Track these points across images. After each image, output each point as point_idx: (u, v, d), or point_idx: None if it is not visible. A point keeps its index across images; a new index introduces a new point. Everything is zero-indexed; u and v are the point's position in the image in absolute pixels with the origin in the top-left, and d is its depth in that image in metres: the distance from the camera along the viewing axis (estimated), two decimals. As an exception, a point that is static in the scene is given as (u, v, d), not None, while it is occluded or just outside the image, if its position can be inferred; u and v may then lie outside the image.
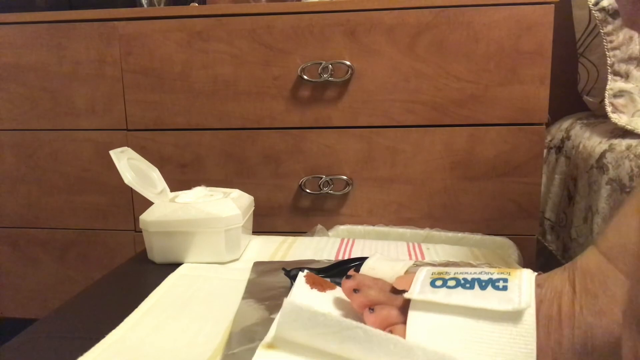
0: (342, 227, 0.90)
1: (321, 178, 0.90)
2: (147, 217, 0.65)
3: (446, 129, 0.87)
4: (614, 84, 0.90)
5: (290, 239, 0.76)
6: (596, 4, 0.89)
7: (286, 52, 0.88)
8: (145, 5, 1.05)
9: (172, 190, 0.73)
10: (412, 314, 0.38)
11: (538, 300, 0.36)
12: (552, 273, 0.39)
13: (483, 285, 0.37)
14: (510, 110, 0.85)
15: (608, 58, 0.91)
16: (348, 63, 0.86)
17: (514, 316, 0.35)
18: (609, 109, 0.88)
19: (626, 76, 0.90)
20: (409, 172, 0.89)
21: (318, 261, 0.61)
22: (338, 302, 0.46)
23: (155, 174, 0.72)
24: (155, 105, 0.92)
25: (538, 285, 0.37)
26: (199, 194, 0.71)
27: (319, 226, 0.89)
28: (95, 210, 0.98)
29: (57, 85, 0.95)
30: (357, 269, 0.49)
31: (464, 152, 0.87)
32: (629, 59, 0.89)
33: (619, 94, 0.89)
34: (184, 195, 0.70)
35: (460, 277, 0.39)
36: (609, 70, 0.91)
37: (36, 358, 0.43)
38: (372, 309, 0.40)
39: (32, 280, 1.02)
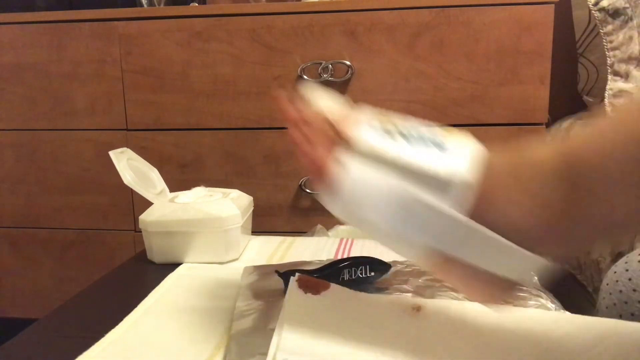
0: (342, 227, 0.89)
1: (321, 178, 0.90)
2: (147, 217, 0.65)
3: (446, 129, 0.87)
4: (613, 84, 0.90)
5: (289, 239, 0.76)
6: (596, 4, 0.89)
7: (286, 52, 0.88)
8: (145, 5, 1.05)
9: (171, 190, 0.73)
10: (351, 163, 0.37)
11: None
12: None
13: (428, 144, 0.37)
14: (510, 110, 0.85)
15: (608, 58, 0.90)
16: (348, 63, 0.86)
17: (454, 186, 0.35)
18: (608, 109, 0.88)
19: (626, 76, 0.90)
20: (408, 172, 0.89)
21: (310, 262, 0.61)
22: (334, 305, 0.45)
23: (154, 174, 0.72)
24: (155, 105, 0.92)
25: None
26: (199, 194, 0.71)
27: (319, 226, 0.89)
28: (95, 210, 0.98)
29: (57, 85, 0.95)
30: (349, 269, 0.49)
31: (463, 152, 0.87)
32: (629, 59, 0.89)
33: (619, 94, 0.89)
34: (183, 196, 0.70)
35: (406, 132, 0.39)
36: (609, 70, 0.90)
37: (36, 358, 0.43)
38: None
39: (32, 280, 1.02)
